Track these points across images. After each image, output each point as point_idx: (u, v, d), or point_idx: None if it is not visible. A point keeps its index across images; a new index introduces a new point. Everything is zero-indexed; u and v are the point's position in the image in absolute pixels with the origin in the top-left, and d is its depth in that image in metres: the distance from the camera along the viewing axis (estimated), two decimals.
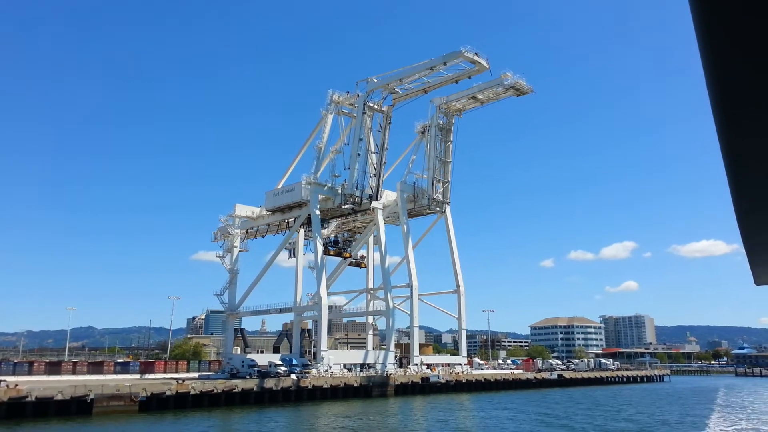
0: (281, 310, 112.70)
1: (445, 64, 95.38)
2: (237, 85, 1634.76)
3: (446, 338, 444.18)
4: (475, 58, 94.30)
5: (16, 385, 66.86)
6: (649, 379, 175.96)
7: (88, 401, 67.58)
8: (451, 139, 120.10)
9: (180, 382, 78.68)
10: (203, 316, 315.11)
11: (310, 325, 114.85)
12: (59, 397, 66.09)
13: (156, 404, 72.85)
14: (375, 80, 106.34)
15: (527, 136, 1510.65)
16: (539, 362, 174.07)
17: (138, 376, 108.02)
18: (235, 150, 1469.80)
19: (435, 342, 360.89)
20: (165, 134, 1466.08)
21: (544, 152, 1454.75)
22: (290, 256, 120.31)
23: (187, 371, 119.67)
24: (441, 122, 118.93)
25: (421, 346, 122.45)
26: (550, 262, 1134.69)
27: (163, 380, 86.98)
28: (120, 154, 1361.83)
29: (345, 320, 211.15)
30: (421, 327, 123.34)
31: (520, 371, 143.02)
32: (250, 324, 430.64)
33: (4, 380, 72.98)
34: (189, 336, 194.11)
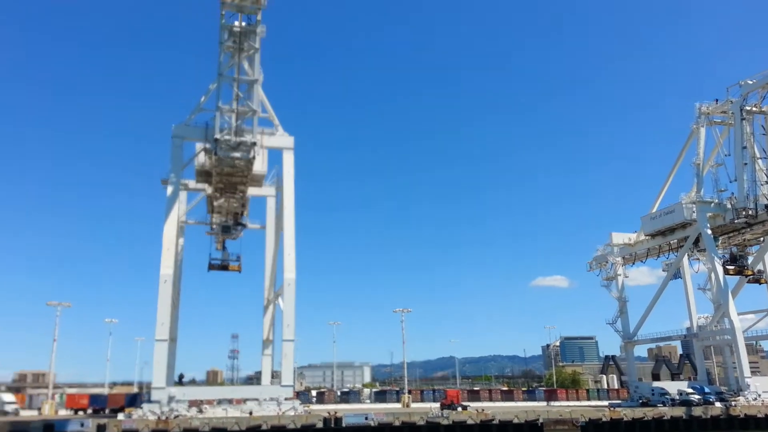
0: (685, 337, 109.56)
1: None
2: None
3: None
4: None
5: (483, 410, 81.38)
6: None
7: (539, 425, 77.89)
8: None
9: (612, 409, 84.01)
10: (558, 343, 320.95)
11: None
12: (516, 420, 77.95)
13: (593, 429, 79.23)
14: (750, 82, 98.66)
15: None
16: None
17: (545, 402, 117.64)
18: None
19: None
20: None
21: None
22: (673, 278, 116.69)
23: (587, 398, 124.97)
24: None
25: None
26: None
27: (583, 408, 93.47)
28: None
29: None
30: None
31: None
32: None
33: (467, 405, 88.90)
34: (562, 365, 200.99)
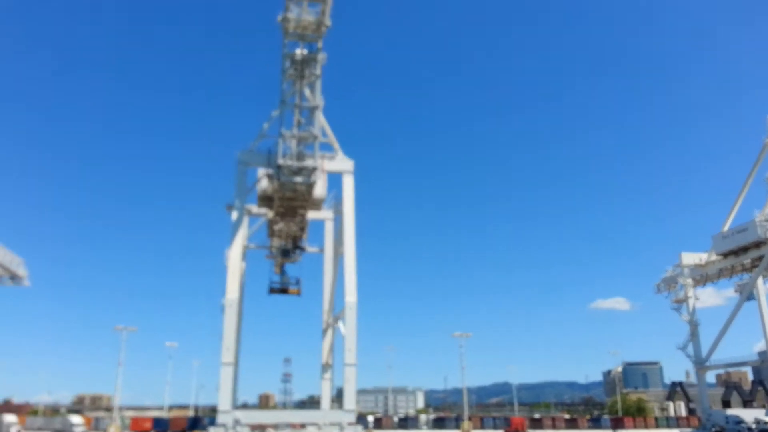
0: (762, 362, 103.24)
1: None
2: None
3: None
4: None
5: None
6: None
7: None
8: None
9: None
10: (620, 369, 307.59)
11: None
12: None
13: None
14: None
15: None
16: None
17: (610, 431, 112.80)
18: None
19: None
20: None
21: None
22: (747, 299, 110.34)
23: (656, 427, 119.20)
24: None
25: None
26: None
27: None
28: None
29: None
30: None
31: None
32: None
33: None
34: (626, 391, 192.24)
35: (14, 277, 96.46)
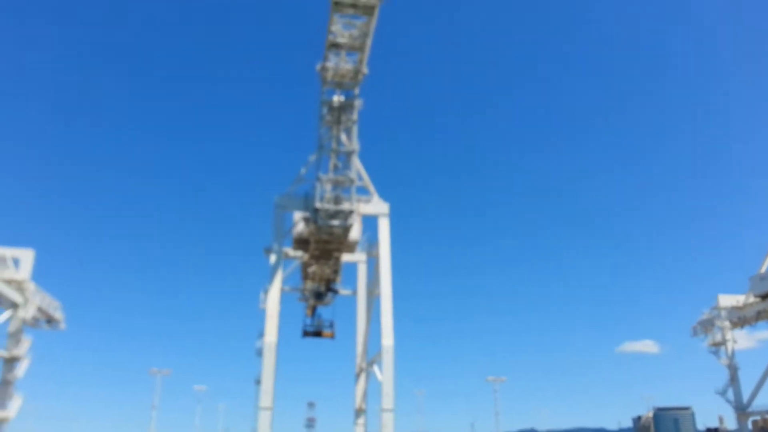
0: None
1: None
2: None
3: None
4: None
5: None
6: None
7: None
8: None
9: None
10: (650, 414, 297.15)
11: None
12: None
13: None
14: None
15: None
16: None
17: None
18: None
19: None
20: None
21: None
22: None
23: None
24: None
25: None
26: None
27: None
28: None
29: None
30: None
31: None
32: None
33: None
34: None
35: (51, 321, 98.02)
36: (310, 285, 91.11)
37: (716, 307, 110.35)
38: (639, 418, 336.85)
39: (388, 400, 68.02)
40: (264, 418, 66.27)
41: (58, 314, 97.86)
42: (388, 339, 70.68)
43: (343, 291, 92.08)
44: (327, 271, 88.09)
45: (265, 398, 66.80)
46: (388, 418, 67.57)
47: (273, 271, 73.41)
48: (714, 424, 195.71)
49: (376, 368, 76.35)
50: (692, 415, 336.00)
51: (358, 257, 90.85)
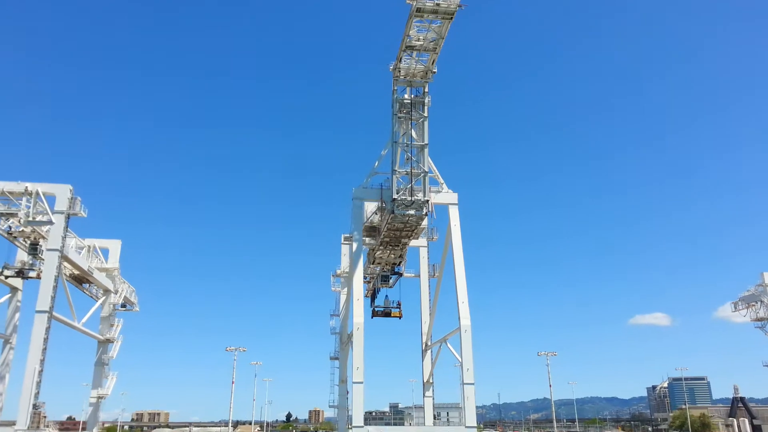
0: None
1: None
2: None
3: None
4: None
5: None
6: None
7: None
8: None
9: None
10: (665, 385, 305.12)
11: None
12: None
13: None
14: None
15: None
16: None
17: None
18: None
19: None
20: None
21: None
22: None
23: None
24: None
25: None
26: None
27: None
28: None
29: None
30: None
31: None
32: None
33: None
34: (685, 407, 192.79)
35: (126, 304, 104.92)
36: (375, 269, 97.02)
37: (761, 284, 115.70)
38: (654, 387, 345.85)
39: (468, 375, 74.49)
40: (357, 392, 72.86)
41: (133, 298, 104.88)
42: (465, 319, 76.87)
43: (407, 274, 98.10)
44: (392, 255, 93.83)
45: (357, 374, 73.29)
46: (469, 391, 74.15)
47: (356, 257, 79.36)
48: (729, 394, 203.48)
49: (448, 345, 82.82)
50: (708, 384, 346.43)
51: (420, 242, 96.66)
